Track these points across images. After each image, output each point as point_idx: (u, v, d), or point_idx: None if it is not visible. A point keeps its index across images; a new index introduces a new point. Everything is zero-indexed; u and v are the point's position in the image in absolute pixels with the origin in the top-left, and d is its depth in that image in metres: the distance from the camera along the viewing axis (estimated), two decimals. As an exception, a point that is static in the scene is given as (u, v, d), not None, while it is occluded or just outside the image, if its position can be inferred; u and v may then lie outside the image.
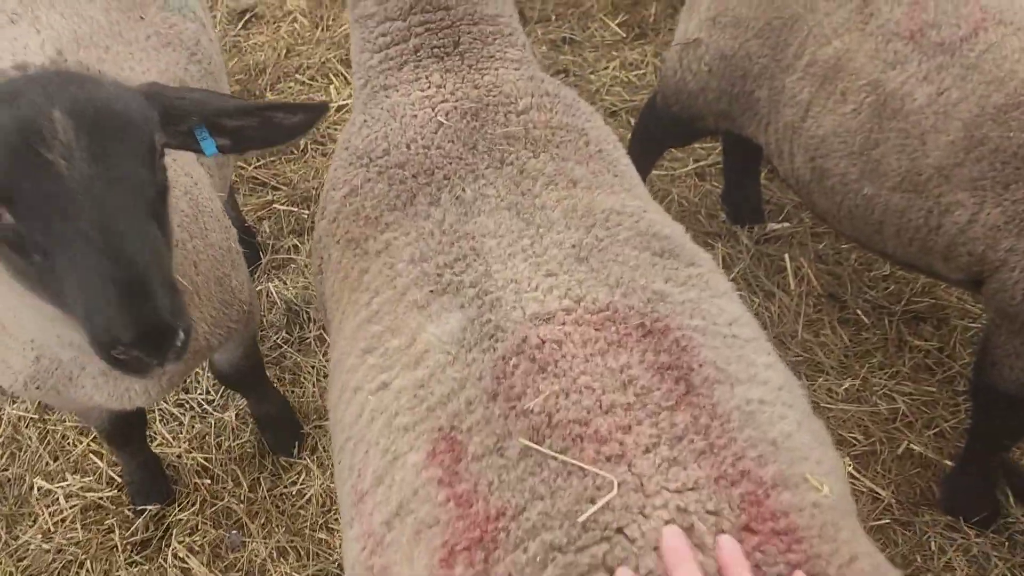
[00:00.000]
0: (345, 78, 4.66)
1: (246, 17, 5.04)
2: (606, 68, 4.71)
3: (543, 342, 1.44)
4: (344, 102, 4.52)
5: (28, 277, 1.56)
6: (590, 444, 1.29)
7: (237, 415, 3.33)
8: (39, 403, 3.36)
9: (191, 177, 2.37)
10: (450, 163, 1.84)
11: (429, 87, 1.99)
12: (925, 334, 3.50)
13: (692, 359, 1.41)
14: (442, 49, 2.03)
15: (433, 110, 1.94)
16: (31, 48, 2.29)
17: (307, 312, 3.64)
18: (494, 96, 1.95)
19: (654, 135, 3.44)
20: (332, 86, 4.62)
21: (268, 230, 3.99)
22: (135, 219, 1.50)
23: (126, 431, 2.82)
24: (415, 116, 1.94)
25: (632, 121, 4.37)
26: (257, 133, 1.78)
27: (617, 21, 4.94)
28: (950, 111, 2.34)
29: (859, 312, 3.57)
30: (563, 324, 1.46)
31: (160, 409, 3.36)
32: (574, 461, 1.28)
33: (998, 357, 2.52)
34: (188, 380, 3.41)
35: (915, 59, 2.41)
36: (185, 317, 1.52)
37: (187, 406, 3.39)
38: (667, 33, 4.88)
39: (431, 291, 1.63)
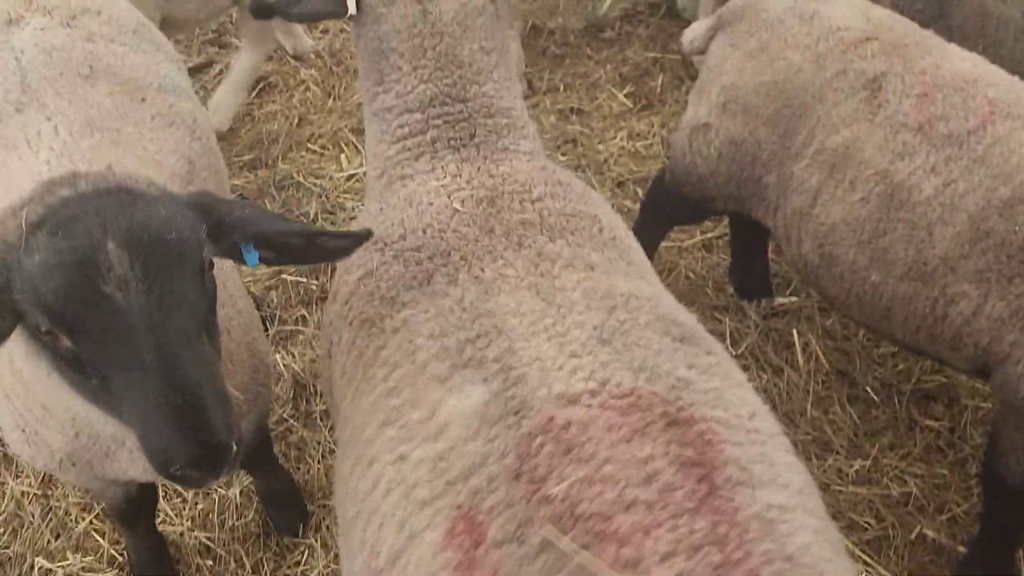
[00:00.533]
0: (356, 147, 4.72)
1: (260, 86, 5.13)
2: (614, 138, 4.77)
3: (569, 423, 1.44)
4: (354, 171, 4.58)
5: (85, 392, 1.62)
6: (611, 544, 1.29)
7: (241, 491, 3.30)
8: (43, 477, 3.35)
9: None
10: (467, 245, 1.89)
11: (445, 176, 2.05)
12: (936, 414, 3.47)
13: (716, 455, 1.42)
14: (458, 141, 2.10)
15: (449, 198, 1.99)
16: (45, 134, 2.34)
17: (314, 386, 3.64)
18: (509, 184, 2.01)
19: (663, 212, 3.47)
20: (343, 155, 4.68)
21: (276, 300, 4.00)
22: (189, 341, 1.56)
23: (138, 509, 2.81)
24: (431, 204, 2.00)
25: (639, 191, 4.40)
26: (300, 251, 1.83)
27: (624, 92, 5.01)
28: (957, 203, 2.38)
29: (868, 390, 3.54)
30: (589, 407, 1.47)
31: (164, 484, 3.34)
32: (595, 562, 1.28)
33: (1005, 449, 2.51)
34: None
35: (923, 151, 2.45)
36: (237, 429, 1.56)
37: (191, 481, 3.37)
38: (673, 104, 4.94)
39: (453, 365, 1.65)
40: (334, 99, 5.05)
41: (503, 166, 2.06)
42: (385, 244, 1.97)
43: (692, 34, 3.14)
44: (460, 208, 1.95)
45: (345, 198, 4.47)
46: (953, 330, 2.46)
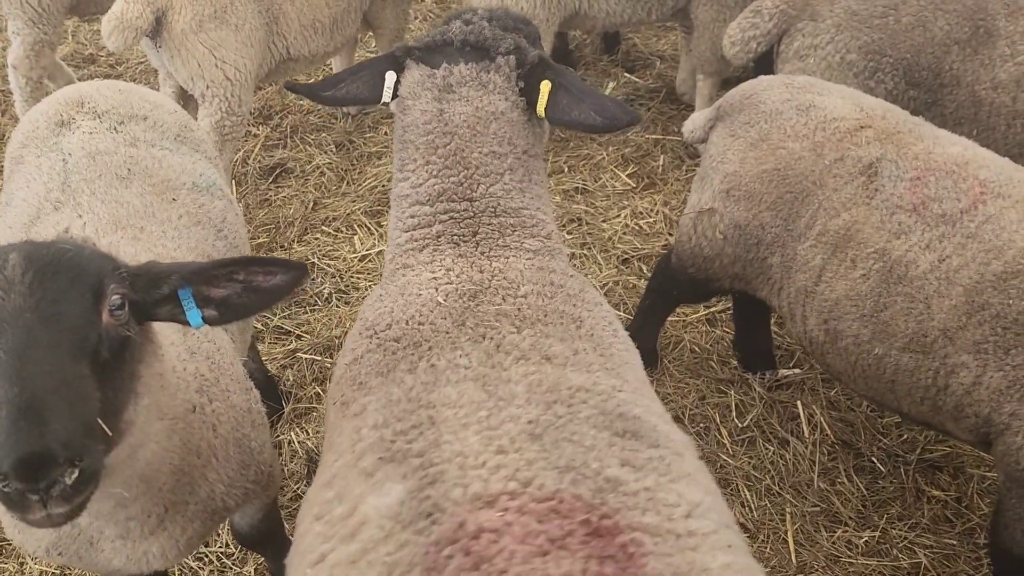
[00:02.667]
0: (369, 229, 4.89)
1: (276, 172, 5.34)
2: (617, 216, 4.91)
3: (481, 531, 1.37)
4: (367, 252, 4.73)
5: None
6: None
7: (256, 570, 3.34)
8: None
9: (214, 343, 2.48)
10: (436, 336, 1.92)
11: (439, 270, 2.11)
12: (942, 484, 3.48)
13: (637, 571, 1.33)
14: (460, 237, 2.17)
15: (436, 291, 2.05)
16: (73, 231, 2.46)
17: (327, 462, 3.70)
18: (496, 280, 2.05)
19: (669, 293, 3.58)
20: (357, 236, 4.84)
21: (291, 379, 4.10)
22: (54, 352, 1.54)
23: None
24: (419, 295, 2.05)
25: (643, 268, 4.52)
26: (241, 299, 1.82)
27: (627, 172, 5.18)
28: (952, 277, 2.48)
29: (874, 460, 3.57)
30: (505, 511, 1.40)
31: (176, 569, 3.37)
32: None
33: (1009, 520, 2.53)
34: (208, 533, 3.44)
35: (918, 229, 2.57)
36: (88, 456, 1.48)
37: (205, 559, 3.40)
38: (675, 183, 5.11)
39: (380, 458, 1.63)
40: (347, 183, 5.24)
41: (496, 262, 2.11)
42: (374, 332, 2.02)
43: (692, 124, 3.30)
44: (442, 301, 2.00)
45: (358, 278, 4.60)
46: (955, 400, 2.53)
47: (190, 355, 2.33)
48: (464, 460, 1.52)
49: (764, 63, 3.99)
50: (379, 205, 5.05)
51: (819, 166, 2.83)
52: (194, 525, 2.27)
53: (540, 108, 2.27)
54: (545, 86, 2.26)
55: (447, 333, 1.92)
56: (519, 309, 1.97)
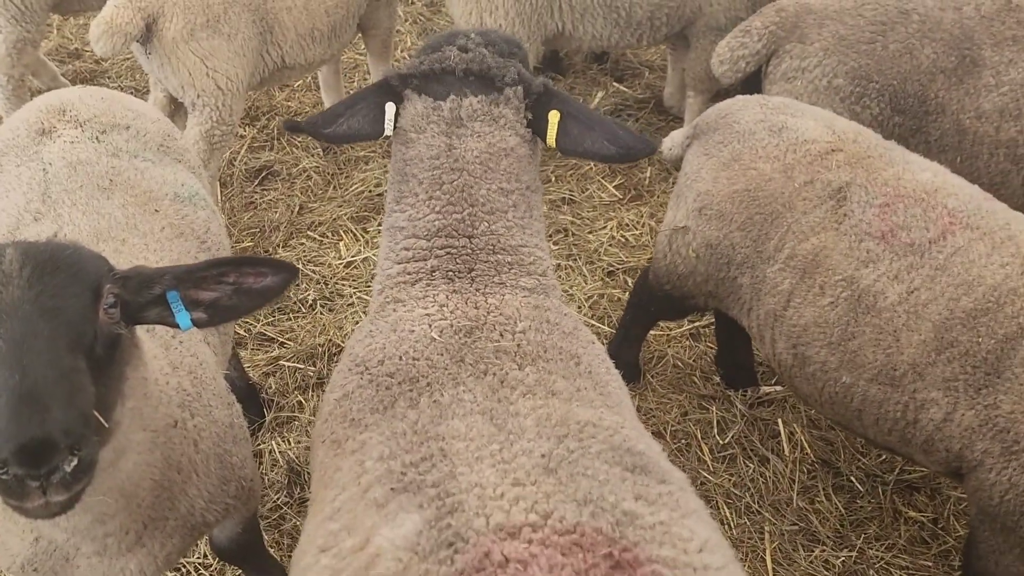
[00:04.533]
0: (355, 235, 4.87)
1: (262, 175, 5.32)
2: (603, 228, 4.93)
3: (508, 560, 1.37)
4: (352, 258, 4.72)
5: None
6: None
7: (234, 581, 3.33)
8: None
9: (196, 357, 2.47)
10: (434, 372, 1.90)
11: (433, 306, 2.08)
12: (919, 504, 3.53)
13: None
14: (455, 273, 2.13)
15: (430, 327, 2.02)
16: None
17: (309, 472, 3.69)
18: (493, 316, 2.03)
19: (648, 308, 3.60)
20: (342, 243, 4.83)
21: (274, 386, 4.08)
22: (53, 343, 1.57)
23: None
24: (412, 331, 2.03)
25: (628, 281, 4.54)
26: (231, 302, 1.83)
27: (614, 184, 5.20)
28: (920, 311, 2.47)
29: (853, 480, 3.61)
30: (529, 543, 1.41)
31: None
32: None
33: (983, 552, 2.56)
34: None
35: (887, 258, 2.56)
36: (85, 446, 1.52)
37: (182, 570, 3.39)
38: (661, 195, 5.13)
39: (392, 488, 1.62)
40: (334, 188, 5.22)
41: (492, 299, 2.08)
42: (366, 367, 2.00)
43: (671, 142, 3.30)
44: (437, 337, 1.98)
45: (343, 285, 4.59)
46: (924, 435, 2.54)
47: (172, 369, 2.32)
48: (482, 491, 1.52)
49: (752, 82, 4.01)
50: (365, 211, 5.04)
51: (789, 188, 2.83)
52: (173, 541, 2.27)
53: (551, 139, 2.23)
54: (554, 116, 2.22)
55: (446, 369, 1.90)
56: (519, 346, 1.96)
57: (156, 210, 2.69)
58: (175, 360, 2.35)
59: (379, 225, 4.94)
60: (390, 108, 2.22)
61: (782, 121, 2.94)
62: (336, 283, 4.60)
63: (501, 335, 1.99)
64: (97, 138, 2.81)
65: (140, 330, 2.20)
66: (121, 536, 2.08)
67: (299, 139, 5.62)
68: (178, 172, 2.94)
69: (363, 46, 5.94)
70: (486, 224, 2.16)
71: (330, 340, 4.27)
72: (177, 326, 1.81)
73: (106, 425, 1.65)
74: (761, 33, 3.62)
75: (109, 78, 6.10)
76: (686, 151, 3.19)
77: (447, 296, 2.09)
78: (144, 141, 2.92)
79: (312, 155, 5.45)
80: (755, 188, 2.88)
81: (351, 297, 4.52)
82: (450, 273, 2.13)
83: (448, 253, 2.15)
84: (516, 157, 2.22)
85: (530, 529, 1.43)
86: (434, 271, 2.14)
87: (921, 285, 2.49)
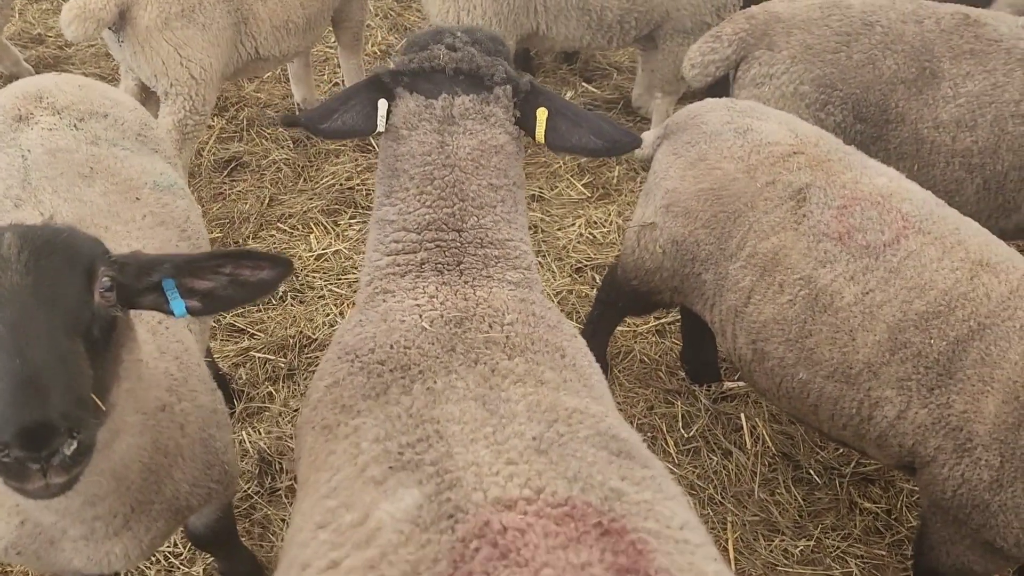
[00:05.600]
0: (325, 227, 4.89)
1: (231, 165, 5.29)
2: (572, 225, 5.01)
3: (506, 528, 1.46)
4: (323, 251, 4.73)
5: None
6: None
7: (204, 570, 3.33)
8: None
9: (182, 343, 2.49)
10: (426, 360, 1.96)
11: (423, 297, 2.13)
12: (874, 496, 3.68)
13: (648, 563, 1.46)
14: (444, 265, 2.18)
15: (420, 317, 2.08)
16: None
17: (280, 462, 3.71)
18: (482, 308, 2.09)
19: (615, 304, 3.68)
20: (313, 235, 4.84)
21: (244, 377, 4.09)
22: (51, 327, 1.60)
23: None
24: (403, 321, 2.08)
25: (596, 278, 4.63)
26: (226, 292, 1.86)
27: (583, 182, 5.29)
28: (875, 312, 2.58)
29: (812, 472, 3.74)
30: (525, 514, 1.49)
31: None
32: None
33: (935, 543, 2.68)
34: (157, 532, 3.42)
35: (843, 259, 2.66)
36: (84, 429, 1.56)
37: (153, 559, 3.38)
38: (628, 194, 5.23)
39: (390, 467, 1.68)
40: (304, 180, 5.22)
41: (480, 291, 2.14)
42: (355, 356, 2.04)
43: (644, 142, 3.38)
44: (428, 327, 2.03)
45: (314, 277, 4.60)
46: (878, 431, 2.64)
47: (160, 354, 2.34)
48: (479, 469, 1.59)
49: (719, 85, 4.13)
50: (336, 204, 5.05)
51: (751, 188, 2.92)
52: (158, 525, 2.29)
53: (539, 135, 2.28)
54: (542, 113, 2.27)
55: (437, 358, 1.96)
56: (507, 337, 2.02)
57: (137, 198, 2.70)
58: (162, 345, 2.37)
59: (350, 218, 4.97)
60: (383, 105, 2.26)
61: (747, 123, 3.04)
62: (307, 275, 4.61)
63: (490, 326, 2.04)
64: (76, 125, 2.80)
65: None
66: (109, 519, 2.10)
67: (268, 130, 5.61)
68: (156, 162, 2.95)
69: (333, 39, 5.95)
70: (475, 218, 2.21)
71: (300, 332, 4.29)
72: (171, 313, 1.84)
73: (103, 408, 1.68)
74: (731, 39, 3.72)
75: (73, 64, 6.01)
76: (656, 151, 3.28)
77: (436, 288, 2.15)
78: (122, 130, 2.92)
79: (282, 147, 5.44)
80: (719, 187, 2.97)
81: (321, 289, 4.54)
82: (439, 265, 2.18)
83: (438, 246, 2.20)
84: (505, 154, 2.28)
85: (525, 502, 1.51)
86: (424, 263, 2.19)
87: (876, 287, 2.59)
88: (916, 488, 3.67)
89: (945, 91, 3.47)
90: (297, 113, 5.72)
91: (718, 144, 3.02)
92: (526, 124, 2.34)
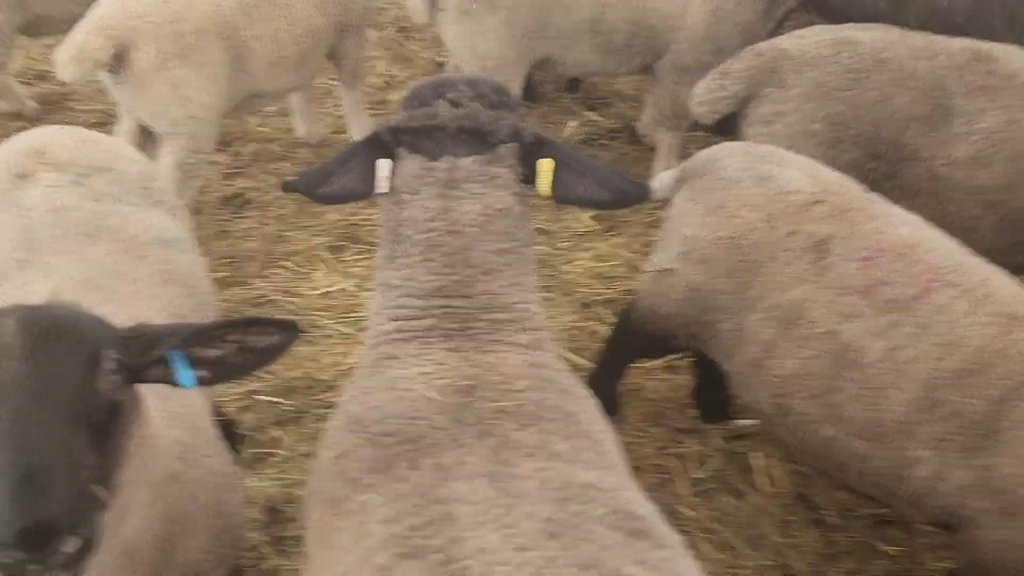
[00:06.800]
0: (331, 264, 4.84)
1: (235, 202, 5.26)
2: (580, 259, 4.96)
3: None
4: (328, 288, 4.68)
5: None
6: None
7: (212, 625, 3.27)
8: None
9: (191, 406, 2.44)
10: (435, 433, 1.90)
11: (430, 365, 2.08)
12: (893, 538, 3.60)
13: None
14: (452, 331, 2.12)
15: (428, 386, 2.02)
16: (41, 293, 2.35)
17: (287, 510, 3.65)
18: (491, 375, 2.04)
19: (629, 346, 3.63)
20: (319, 272, 4.79)
21: (249, 421, 4.03)
22: (52, 419, 1.55)
23: None
24: (410, 390, 2.02)
25: (604, 314, 4.57)
26: (236, 359, 1.82)
27: (590, 214, 5.24)
28: (906, 369, 2.51)
29: (828, 514, 3.67)
30: None
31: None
32: None
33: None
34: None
35: (869, 314, 2.60)
36: (87, 527, 1.52)
37: (160, 614, 3.32)
38: (636, 226, 5.18)
39: (397, 555, 1.63)
40: (309, 216, 5.18)
41: (490, 356, 2.08)
42: (362, 427, 1.99)
43: (660, 183, 3.34)
44: (436, 397, 1.98)
45: (319, 316, 4.55)
46: (911, 490, 2.56)
47: (169, 420, 2.29)
48: (487, 556, 1.56)
49: (726, 121, 4.09)
50: (341, 240, 5.01)
51: (772, 238, 2.87)
52: None
53: (544, 187, 2.22)
54: (547, 164, 2.21)
55: (447, 430, 1.91)
56: (519, 405, 1.97)
57: (143, 256, 2.66)
58: (171, 410, 2.32)
59: (355, 254, 4.92)
60: (382, 165, 2.19)
61: (767, 170, 2.99)
62: (312, 314, 4.56)
63: (501, 394, 2.00)
64: (78, 182, 2.76)
65: None
66: None
67: (272, 165, 5.58)
68: (160, 216, 2.92)
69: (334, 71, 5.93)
70: (483, 284, 2.16)
71: (307, 373, 4.23)
72: (179, 385, 1.80)
73: (108, 501, 1.63)
74: (740, 76, 3.69)
75: (78, 100, 5.99)
76: (673, 193, 3.24)
77: (444, 354, 2.10)
78: (126, 184, 2.88)
79: (286, 182, 5.40)
80: (739, 236, 2.92)
81: (328, 328, 4.48)
82: (447, 331, 2.13)
83: (445, 312, 2.14)
84: (513, 216, 2.23)
85: None
86: (431, 329, 2.14)
87: (905, 343, 2.53)
88: (937, 531, 3.59)
89: (959, 128, 3.43)
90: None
91: (737, 191, 2.97)
92: (531, 178, 2.28)
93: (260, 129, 5.87)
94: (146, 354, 1.77)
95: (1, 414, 1.52)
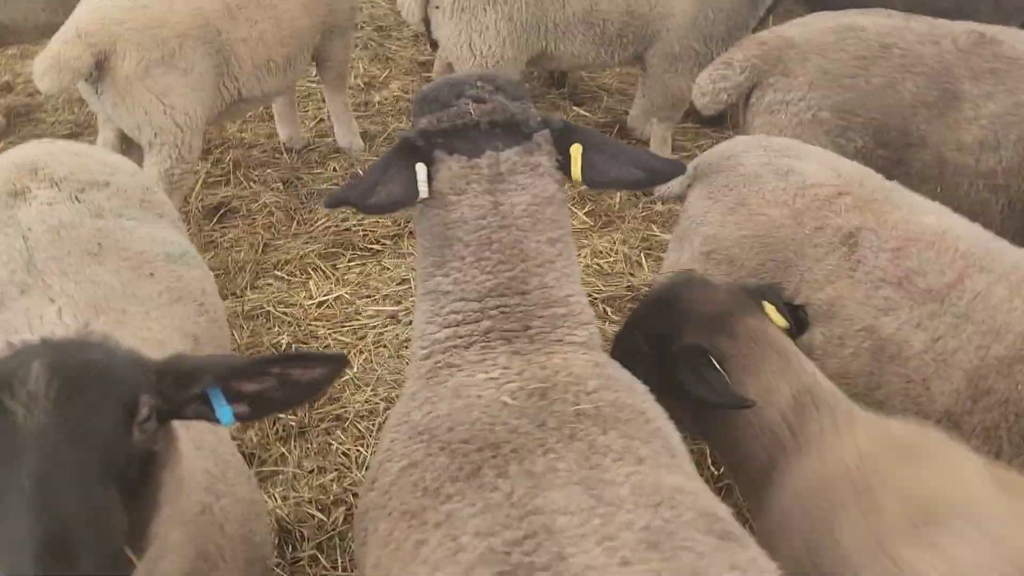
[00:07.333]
0: (324, 272, 4.72)
1: (220, 211, 5.10)
2: (579, 256, 4.88)
3: None
4: (324, 298, 4.56)
5: None
6: None
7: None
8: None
9: (216, 433, 2.33)
10: (518, 438, 1.85)
11: (495, 369, 2.02)
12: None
13: None
14: (512, 332, 2.07)
15: (498, 390, 1.97)
16: (47, 318, 2.26)
17: (300, 530, 3.54)
18: (563, 376, 1.99)
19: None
20: (312, 281, 4.67)
21: (254, 439, 3.90)
22: (80, 476, 1.45)
23: None
24: (480, 396, 1.97)
25: (607, 310, 4.51)
26: (277, 394, 1.72)
27: (585, 210, 5.17)
28: (949, 360, 2.48)
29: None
30: None
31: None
32: None
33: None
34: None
35: (906, 306, 2.57)
36: None
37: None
38: (631, 220, 5.12)
39: (500, 572, 1.59)
40: (298, 223, 5.05)
41: (556, 358, 2.04)
42: (432, 436, 1.93)
43: (667, 187, 3.27)
44: (510, 401, 1.93)
45: (316, 326, 4.43)
46: None
47: (196, 450, 2.17)
48: (595, 574, 1.52)
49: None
50: (334, 247, 4.88)
51: (799, 235, 2.82)
52: None
53: (576, 173, 2.18)
54: (576, 149, 2.16)
55: (529, 434, 1.86)
56: (597, 408, 1.92)
57: (151, 273, 2.53)
58: (197, 439, 2.20)
59: (349, 261, 4.80)
60: (421, 169, 2.13)
61: (788, 165, 2.94)
62: (309, 324, 4.44)
63: (576, 397, 1.95)
64: (76, 198, 2.63)
65: None
66: None
67: (255, 172, 5.43)
68: (164, 229, 2.79)
69: (315, 74, 5.79)
70: (538, 278, 2.10)
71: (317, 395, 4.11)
72: (218, 422, 1.68)
73: (137, 563, 1.52)
74: (743, 65, 3.64)
75: (46, 112, 5.79)
76: (685, 191, 3.18)
77: (508, 358, 2.04)
78: (126, 198, 2.75)
79: (272, 189, 5.27)
80: (764, 234, 2.87)
81: (325, 338, 4.37)
82: (506, 333, 2.07)
83: (502, 312, 2.08)
84: (557, 203, 2.19)
85: None
86: (489, 332, 2.08)
87: (946, 333, 2.50)
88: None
89: (967, 112, 3.42)
90: (287, 154, 5.56)
91: (759, 188, 2.91)
92: (563, 164, 2.23)
93: (240, 135, 5.71)
94: (184, 390, 1.65)
95: (25, 471, 1.41)
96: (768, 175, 2.92)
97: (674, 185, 3.25)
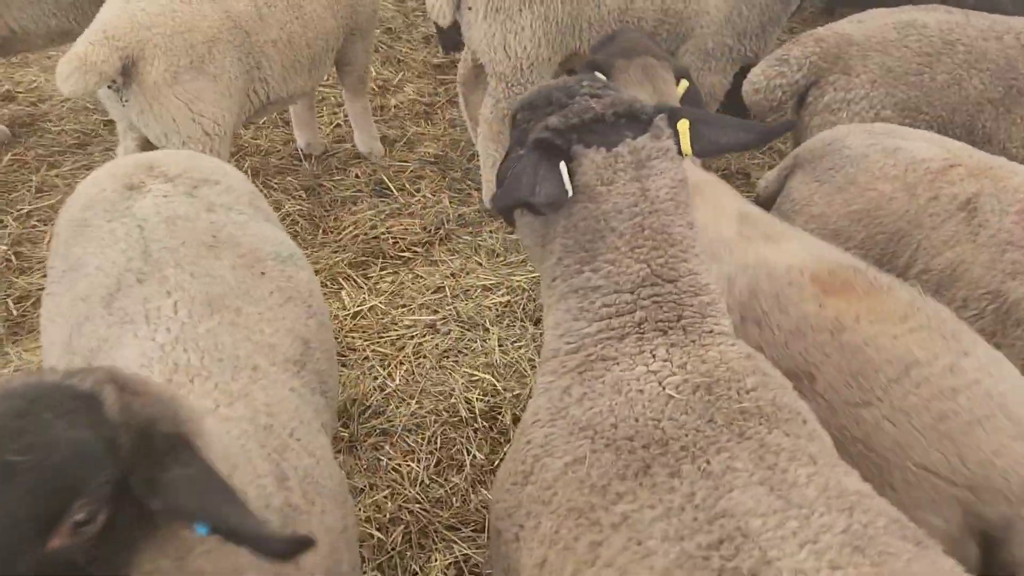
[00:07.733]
0: (356, 282, 4.59)
1: (243, 221, 4.94)
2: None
3: None
4: (358, 308, 4.43)
5: None
6: None
7: None
8: None
9: (313, 456, 2.19)
10: (687, 435, 1.81)
11: (654, 361, 1.98)
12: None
13: None
14: (666, 323, 2.04)
15: (660, 384, 1.93)
16: (164, 312, 2.22)
17: (362, 550, 3.40)
18: (723, 371, 1.95)
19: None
20: (344, 291, 4.53)
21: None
22: None
23: None
24: (641, 391, 1.93)
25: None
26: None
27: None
28: None
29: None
30: None
31: None
32: None
33: None
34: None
35: None
36: None
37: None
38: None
39: None
40: (324, 232, 4.91)
41: (712, 351, 2.01)
42: (595, 432, 1.89)
43: (765, 181, 3.27)
44: (675, 395, 1.89)
45: (353, 338, 4.29)
46: None
47: (278, 484, 2.02)
48: None
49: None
50: (364, 255, 4.75)
51: (914, 206, 2.81)
52: None
53: (686, 146, 2.18)
54: (684, 124, 2.18)
55: (699, 431, 1.80)
56: (758, 406, 1.87)
57: (263, 272, 2.46)
58: (285, 470, 2.05)
59: (380, 270, 4.67)
60: (564, 168, 2.11)
61: (895, 144, 2.94)
62: (346, 336, 4.30)
63: (738, 393, 1.90)
64: (191, 193, 2.59)
65: (235, 441, 1.93)
66: None
67: (275, 180, 5.27)
68: (273, 230, 2.73)
69: (328, 78, 5.66)
70: (685, 265, 2.09)
71: (350, 397, 3.98)
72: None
73: None
74: (801, 63, 3.59)
75: (51, 121, 5.57)
76: (782, 183, 3.14)
77: (666, 350, 2.00)
78: (236, 195, 2.71)
79: (294, 198, 5.11)
80: (875, 208, 2.85)
81: (364, 350, 4.23)
82: (660, 324, 2.04)
83: (654, 302, 2.05)
84: (687, 185, 2.19)
85: None
86: (642, 323, 2.04)
87: None
88: None
89: (1033, 109, 3.39)
90: (306, 160, 5.41)
91: (867, 166, 2.91)
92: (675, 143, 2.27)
93: (256, 142, 5.55)
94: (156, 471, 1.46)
95: None
96: (875, 154, 2.93)
97: (772, 181, 3.22)
